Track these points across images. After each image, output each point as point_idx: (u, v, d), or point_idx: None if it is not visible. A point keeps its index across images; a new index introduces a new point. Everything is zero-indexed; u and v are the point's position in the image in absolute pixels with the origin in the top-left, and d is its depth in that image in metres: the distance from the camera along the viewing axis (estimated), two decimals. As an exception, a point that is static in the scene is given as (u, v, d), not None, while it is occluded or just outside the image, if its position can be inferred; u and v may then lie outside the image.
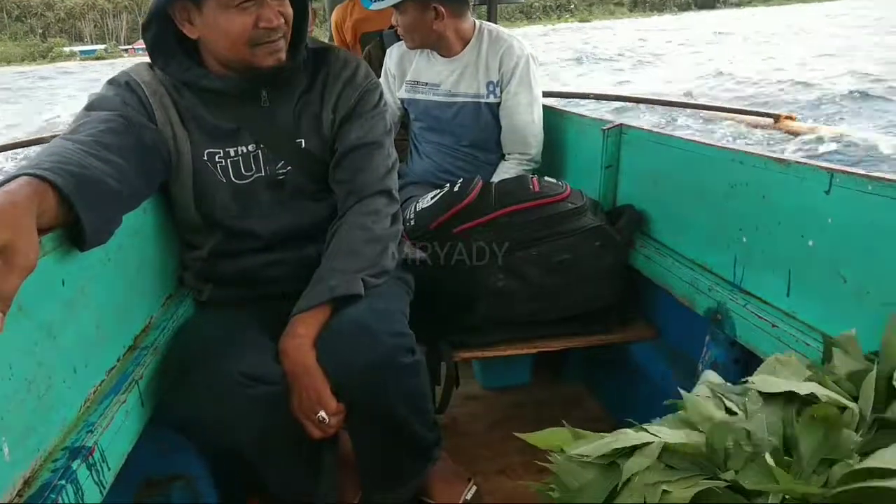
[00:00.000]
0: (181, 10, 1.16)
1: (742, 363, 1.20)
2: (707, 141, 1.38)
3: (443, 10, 1.89)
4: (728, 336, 1.19)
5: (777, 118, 7.06)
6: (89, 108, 1.13)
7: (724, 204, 1.26)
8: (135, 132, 1.11)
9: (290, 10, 1.19)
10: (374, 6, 1.98)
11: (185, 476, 1.22)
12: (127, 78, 1.21)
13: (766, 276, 1.15)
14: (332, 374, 1.12)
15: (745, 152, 1.22)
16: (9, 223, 0.71)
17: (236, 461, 1.15)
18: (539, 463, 0.74)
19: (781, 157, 1.13)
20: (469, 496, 1.44)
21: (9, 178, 0.81)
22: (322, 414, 1.12)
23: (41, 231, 0.78)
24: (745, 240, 1.20)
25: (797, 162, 1.09)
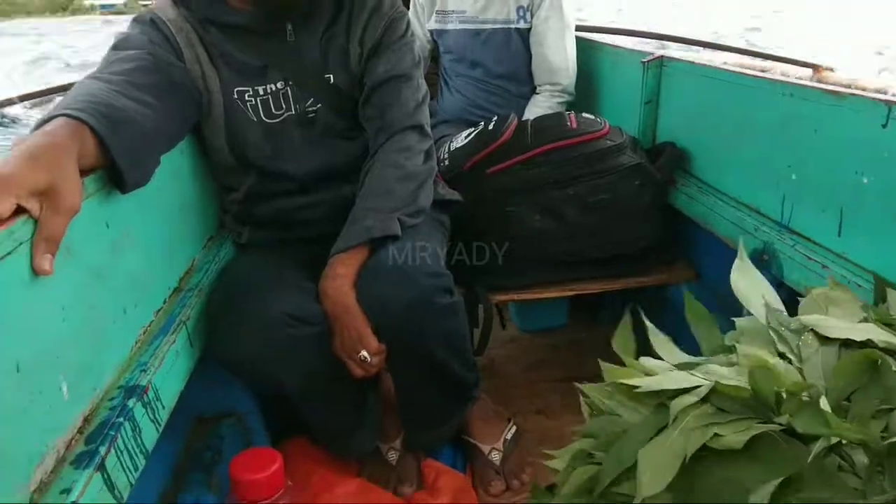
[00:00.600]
0: None
1: (789, 306, 1.18)
2: (755, 73, 1.32)
3: None
4: (775, 277, 1.16)
5: (816, 68, 6.81)
6: (116, 47, 1.11)
7: (773, 139, 1.21)
8: (164, 70, 1.09)
9: None
10: None
11: (235, 413, 1.26)
12: (152, 15, 1.18)
13: (816, 215, 1.11)
14: (371, 315, 1.13)
15: (797, 84, 1.16)
16: (52, 165, 0.71)
17: (283, 399, 1.18)
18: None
19: (837, 88, 1.08)
20: (509, 435, 1.47)
21: (46, 119, 0.81)
22: (364, 353, 1.13)
23: (82, 172, 0.78)
24: (794, 177, 1.16)
25: (852, 94, 1.03)
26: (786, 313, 0.72)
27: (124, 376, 0.88)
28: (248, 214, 1.32)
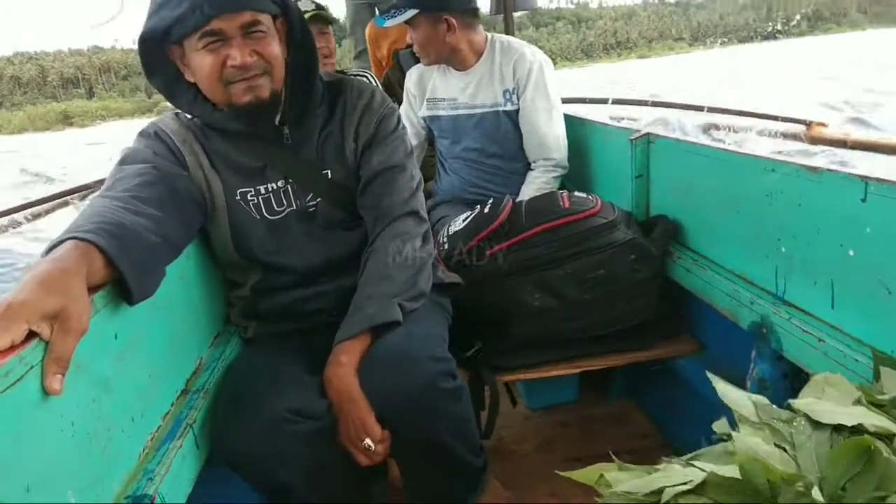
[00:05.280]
0: (176, 54, 1.19)
1: (790, 378, 1.18)
2: (737, 149, 1.36)
3: (454, 21, 1.95)
4: (774, 351, 1.17)
5: (809, 124, 7.07)
6: (122, 162, 1.17)
7: (761, 212, 1.24)
8: (168, 182, 1.15)
9: (271, 48, 1.17)
10: (388, 24, 2.03)
11: None
12: (155, 129, 1.26)
13: (808, 287, 1.13)
14: (375, 402, 1.14)
15: (777, 160, 1.20)
16: (61, 289, 0.75)
17: (289, 497, 1.17)
18: (590, 485, 0.74)
19: (815, 165, 1.11)
20: (519, 523, 1.44)
21: (56, 244, 0.86)
22: (368, 441, 1.13)
23: (92, 289, 0.83)
24: (783, 249, 1.18)
25: (829, 170, 1.07)
26: (774, 404, 0.72)
27: (131, 486, 0.89)
28: (254, 309, 1.35)
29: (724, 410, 0.76)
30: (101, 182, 1.27)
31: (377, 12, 3.61)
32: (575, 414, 1.91)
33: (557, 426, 1.89)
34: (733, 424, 0.74)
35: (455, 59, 2.04)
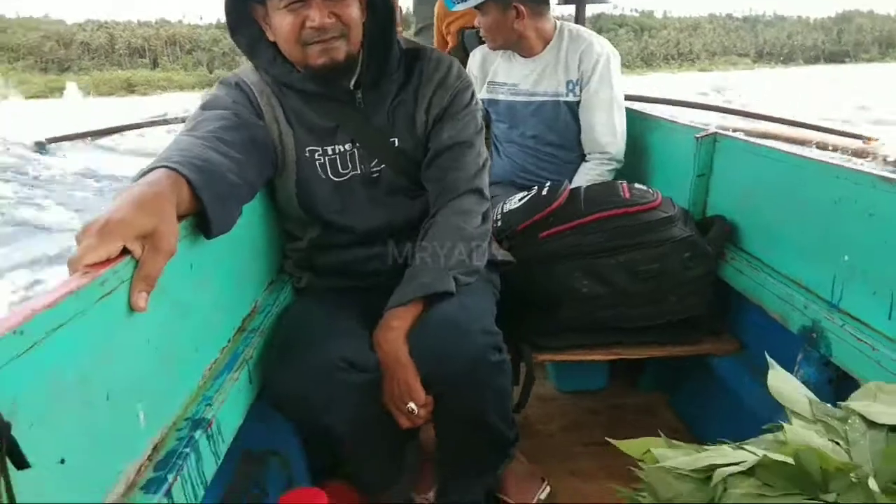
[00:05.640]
0: (260, 13, 1.22)
1: (835, 384, 1.18)
2: (807, 153, 1.35)
3: (523, 9, 1.93)
4: (823, 356, 1.17)
5: (866, 139, 7.07)
6: (204, 107, 1.21)
7: (825, 219, 1.23)
8: (247, 128, 1.19)
9: (350, 11, 1.19)
10: (458, 7, 2.02)
11: (281, 453, 1.30)
12: (237, 79, 1.30)
13: (866, 296, 1.12)
14: (423, 368, 1.17)
15: (849, 168, 1.19)
16: (156, 210, 0.80)
17: (327, 443, 1.22)
18: (619, 467, 0.76)
19: (888, 174, 1.10)
20: (543, 496, 1.47)
21: (147, 170, 0.90)
22: (412, 405, 1.17)
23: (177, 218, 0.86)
24: (846, 258, 1.17)
25: None
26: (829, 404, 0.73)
27: (191, 408, 0.93)
28: (309, 262, 1.39)
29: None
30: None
31: None
32: (604, 402, 1.93)
33: (585, 412, 1.91)
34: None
35: (521, 46, 2.03)
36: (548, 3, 2.03)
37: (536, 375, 1.59)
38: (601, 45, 2.00)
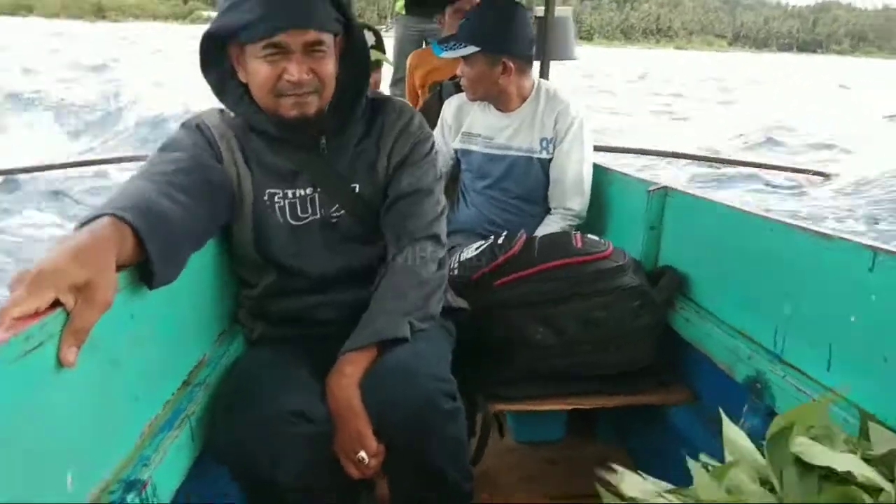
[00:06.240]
0: (234, 51, 1.23)
1: None
2: (753, 210, 1.39)
3: (511, 65, 1.97)
4: (767, 406, 1.18)
5: (828, 176, 7.20)
6: (163, 149, 1.21)
7: (768, 272, 1.27)
8: (203, 171, 1.19)
9: (327, 68, 1.21)
10: (445, 55, 2.04)
11: None
12: (198, 121, 1.30)
13: (807, 348, 1.15)
14: (374, 415, 1.15)
15: (790, 224, 1.23)
16: (93, 261, 0.78)
17: (274, 499, 1.18)
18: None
19: (827, 231, 1.14)
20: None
21: (92, 217, 0.89)
22: (362, 454, 1.14)
23: (117, 268, 0.84)
24: (786, 310, 1.20)
25: (841, 238, 1.10)
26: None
27: (126, 470, 0.90)
28: (263, 310, 1.37)
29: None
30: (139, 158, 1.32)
31: (425, 43, 3.68)
32: (561, 452, 1.91)
33: (543, 462, 1.89)
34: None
35: (500, 100, 2.07)
36: (531, 63, 2.09)
37: (495, 426, 1.57)
38: (577, 109, 2.06)
